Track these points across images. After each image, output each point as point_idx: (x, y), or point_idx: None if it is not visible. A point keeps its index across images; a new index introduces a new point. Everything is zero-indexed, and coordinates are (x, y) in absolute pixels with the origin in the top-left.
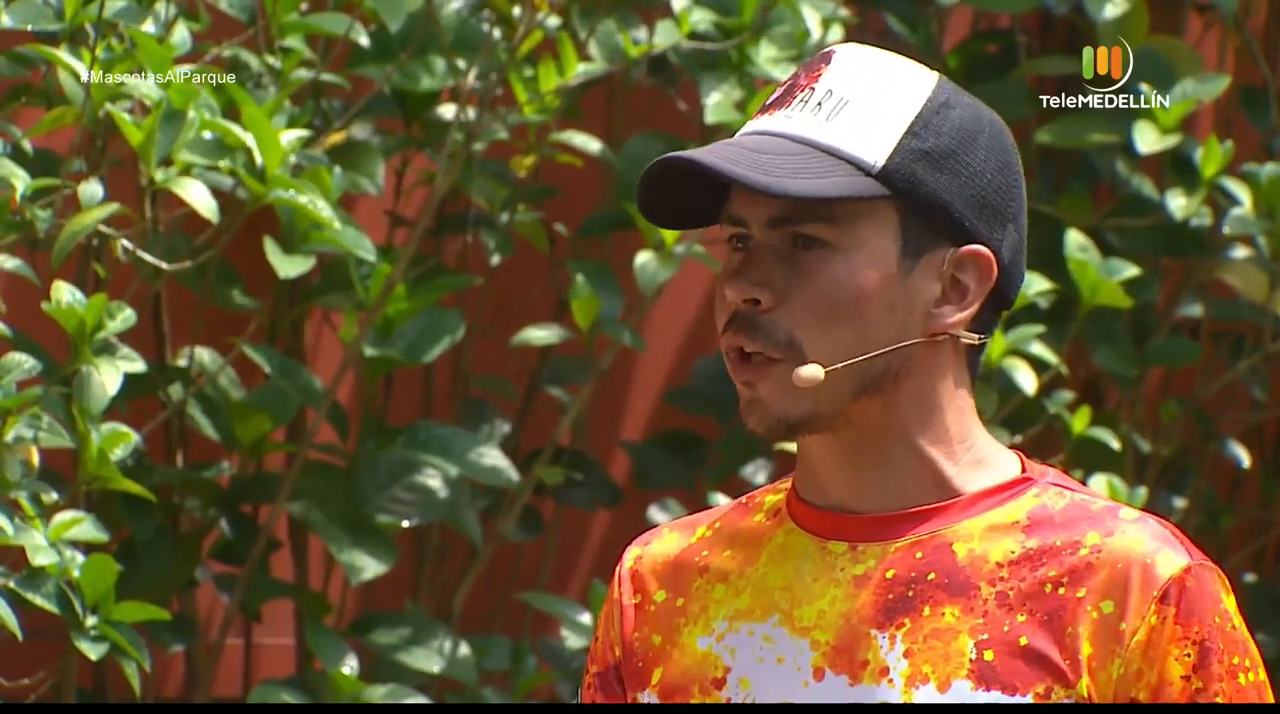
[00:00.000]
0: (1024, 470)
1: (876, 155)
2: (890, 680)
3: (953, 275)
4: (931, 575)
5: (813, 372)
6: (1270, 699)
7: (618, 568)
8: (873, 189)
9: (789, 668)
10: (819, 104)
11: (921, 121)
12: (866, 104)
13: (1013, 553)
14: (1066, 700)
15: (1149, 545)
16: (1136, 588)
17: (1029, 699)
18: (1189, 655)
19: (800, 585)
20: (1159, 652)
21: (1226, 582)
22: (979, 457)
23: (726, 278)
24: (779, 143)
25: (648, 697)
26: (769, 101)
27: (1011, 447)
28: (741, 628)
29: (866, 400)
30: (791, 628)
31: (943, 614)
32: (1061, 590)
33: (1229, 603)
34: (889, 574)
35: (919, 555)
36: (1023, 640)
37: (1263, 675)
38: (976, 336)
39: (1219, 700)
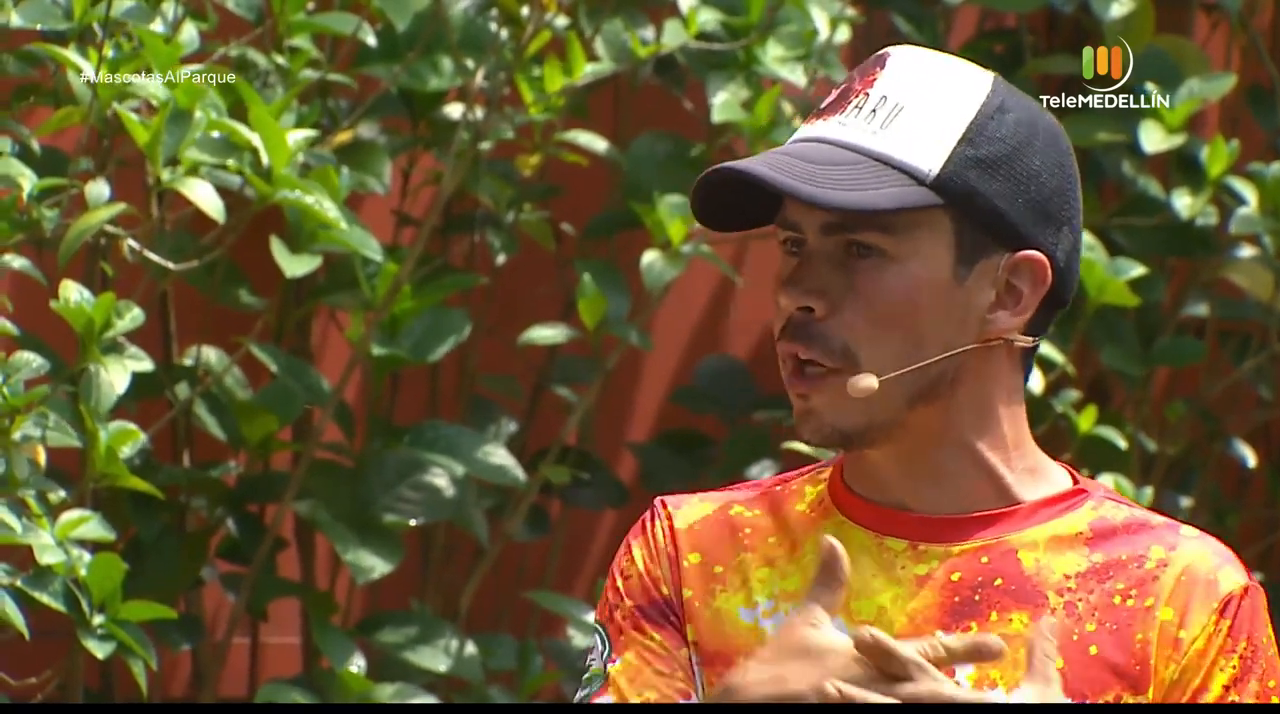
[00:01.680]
0: (1075, 482)
1: (931, 164)
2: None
3: (1007, 281)
4: (998, 581)
5: (868, 382)
6: None
7: (652, 514)
8: (926, 199)
9: None
10: (873, 111)
11: (976, 128)
12: (921, 111)
13: (1080, 566)
14: None
15: (1213, 560)
16: (1199, 599)
17: None
18: (1233, 667)
19: (857, 579)
20: (1208, 661)
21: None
22: (1032, 464)
23: (781, 284)
24: (831, 151)
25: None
26: (823, 105)
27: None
28: (791, 611)
29: (923, 408)
30: (849, 620)
31: (1010, 620)
32: (1130, 602)
33: (1270, 629)
34: (954, 577)
35: (984, 560)
36: (1093, 649)
37: None
38: (1030, 340)
39: None
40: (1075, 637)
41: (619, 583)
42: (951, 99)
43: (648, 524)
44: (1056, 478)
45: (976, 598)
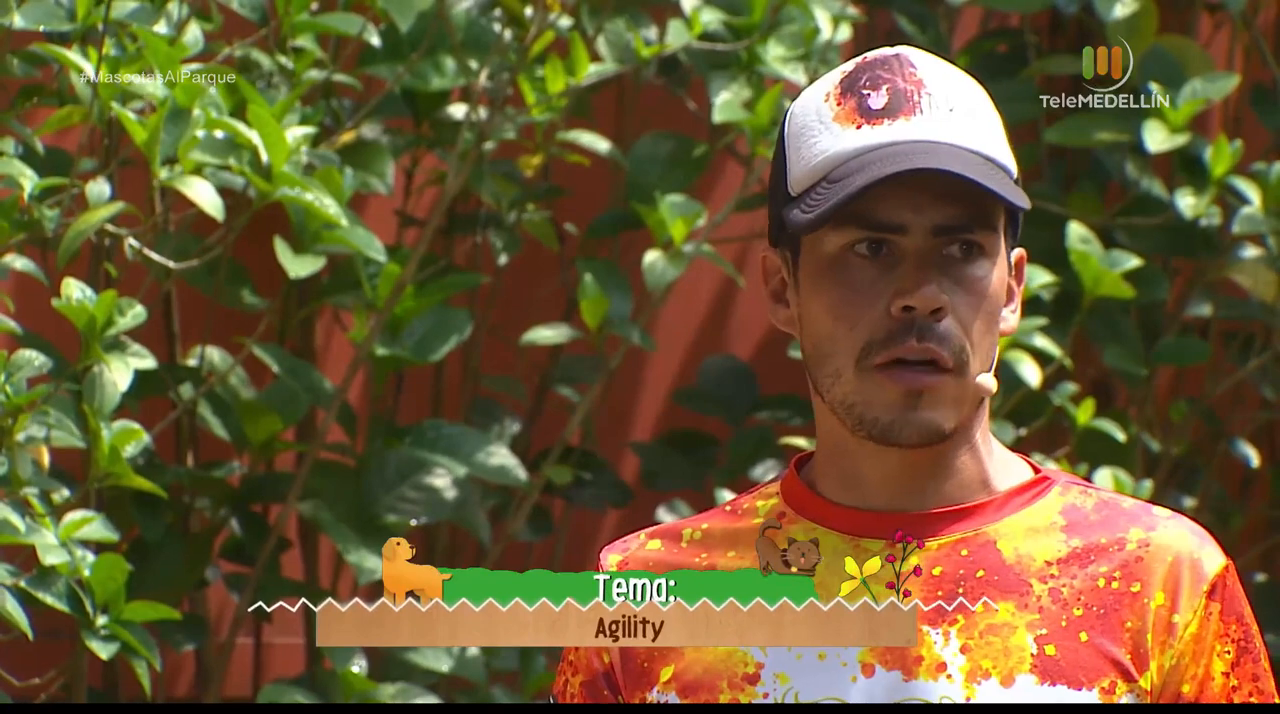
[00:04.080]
0: (1035, 469)
1: (1012, 163)
2: (949, 676)
3: (1008, 280)
4: (980, 573)
5: (991, 381)
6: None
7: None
8: (1023, 198)
9: (833, 663)
10: (951, 110)
11: (1005, 128)
12: (980, 112)
13: (1059, 552)
14: (1129, 696)
15: (1192, 541)
16: (1187, 582)
17: (1094, 694)
18: (1229, 653)
19: (835, 583)
20: (1205, 646)
21: None
22: (1002, 456)
23: (909, 286)
24: (954, 152)
25: (659, 695)
26: (881, 106)
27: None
28: None
29: (978, 404)
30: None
31: (997, 610)
32: (1115, 585)
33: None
34: (935, 571)
35: (964, 553)
36: (1083, 636)
37: (1272, 686)
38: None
39: (1253, 702)
40: (1064, 623)
41: (569, 652)
42: (983, 100)
43: None
44: (1019, 467)
45: (960, 590)
